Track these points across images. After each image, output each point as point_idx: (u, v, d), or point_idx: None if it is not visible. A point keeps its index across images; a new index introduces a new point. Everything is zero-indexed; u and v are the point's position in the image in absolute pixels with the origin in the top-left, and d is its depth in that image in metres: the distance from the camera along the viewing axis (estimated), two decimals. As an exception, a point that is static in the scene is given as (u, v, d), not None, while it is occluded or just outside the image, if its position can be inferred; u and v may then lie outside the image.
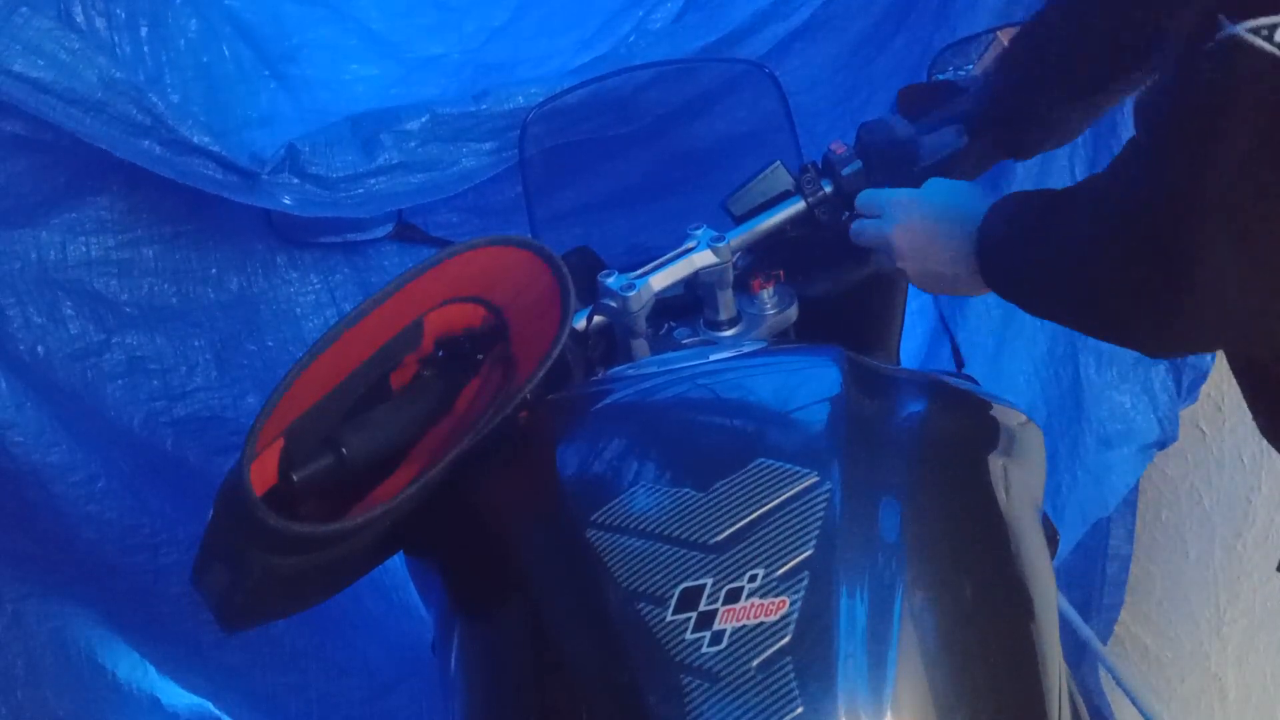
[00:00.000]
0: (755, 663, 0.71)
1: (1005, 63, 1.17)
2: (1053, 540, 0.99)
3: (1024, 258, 0.92)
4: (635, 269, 1.13)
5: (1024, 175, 1.58)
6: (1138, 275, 0.76)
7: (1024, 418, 0.96)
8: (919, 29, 1.61)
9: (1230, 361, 1.00)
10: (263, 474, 0.88)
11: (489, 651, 0.86)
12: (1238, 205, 0.70)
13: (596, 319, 1.12)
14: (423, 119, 1.41)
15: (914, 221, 1.04)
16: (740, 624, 0.72)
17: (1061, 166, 1.58)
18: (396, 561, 1.05)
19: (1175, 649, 1.90)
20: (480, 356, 1.00)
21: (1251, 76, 0.66)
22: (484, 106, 1.42)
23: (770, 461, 0.80)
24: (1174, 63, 0.73)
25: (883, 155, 1.17)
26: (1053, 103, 1.12)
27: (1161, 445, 1.68)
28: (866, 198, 1.10)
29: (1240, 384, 0.99)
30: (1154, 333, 0.81)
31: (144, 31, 1.38)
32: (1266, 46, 0.65)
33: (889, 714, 0.70)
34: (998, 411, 0.95)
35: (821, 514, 0.77)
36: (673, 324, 1.20)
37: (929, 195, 1.06)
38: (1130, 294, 0.78)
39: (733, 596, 0.74)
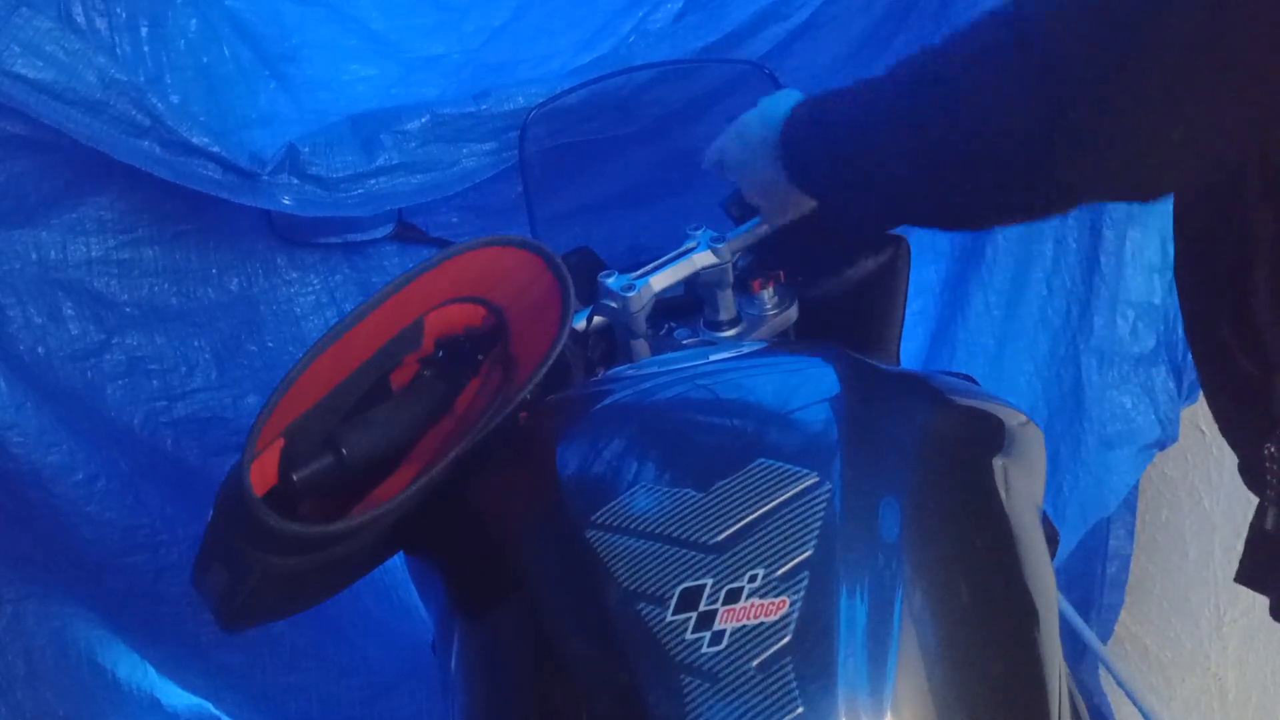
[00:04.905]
0: (755, 663, 0.71)
1: None
2: (1053, 540, 0.99)
3: (849, 138, 0.81)
4: (635, 269, 1.13)
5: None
6: (1071, 102, 0.66)
7: (1024, 418, 0.96)
8: (919, 29, 1.61)
9: (1192, 346, 0.97)
10: (263, 474, 0.88)
11: (489, 651, 0.86)
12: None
13: (596, 319, 1.12)
14: (423, 119, 1.41)
15: (737, 125, 0.99)
16: (740, 624, 0.72)
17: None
18: (396, 561, 1.05)
19: (1175, 649, 1.90)
20: (480, 356, 1.00)
21: None
22: (484, 107, 1.42)
23: (770, 462, 0.80)
24: None
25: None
26: None
27: (1162, 445, 1.68)
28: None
29: (1199, 370, 0.96)
30: (1069, 175, 0.69)
31: (144, 31, 1.38)
32: None
33: (889, 714, 0.70)
34: (998, 412, 0.95)
35: (821, 514, 0.77)
36: (673, 324, 1.20)
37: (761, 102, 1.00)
38: (1047, 128, 0.67)
39: (733, 597, 0.73)
